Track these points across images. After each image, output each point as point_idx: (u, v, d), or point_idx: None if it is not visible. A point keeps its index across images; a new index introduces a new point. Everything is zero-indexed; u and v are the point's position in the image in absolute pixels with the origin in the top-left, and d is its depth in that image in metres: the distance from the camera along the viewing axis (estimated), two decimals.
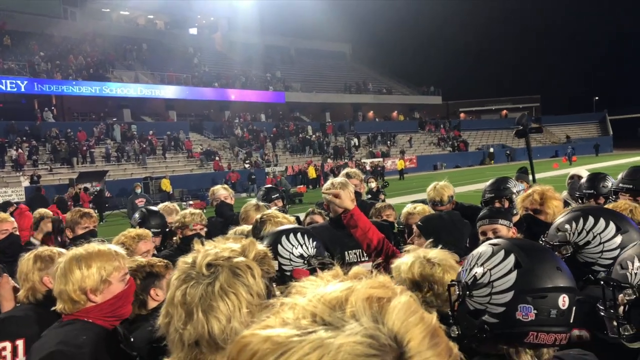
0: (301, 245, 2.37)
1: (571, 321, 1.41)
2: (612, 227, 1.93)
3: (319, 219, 3.98)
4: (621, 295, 1.52)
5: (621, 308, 1.52)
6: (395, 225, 4.26)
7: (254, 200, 4.46)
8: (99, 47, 42.70)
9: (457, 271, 1.98)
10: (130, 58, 44.24)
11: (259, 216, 3.13)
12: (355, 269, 0.74)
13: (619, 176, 3.37)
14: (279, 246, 2.32)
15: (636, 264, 1.51)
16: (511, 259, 1.43)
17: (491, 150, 50.96)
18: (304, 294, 0.62)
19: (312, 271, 2.35)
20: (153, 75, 43.01)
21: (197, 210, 4.14)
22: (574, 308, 1.41)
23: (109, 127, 35.71)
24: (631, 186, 3.20)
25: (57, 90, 36.12)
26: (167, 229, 4.27)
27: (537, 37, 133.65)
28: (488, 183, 3.89)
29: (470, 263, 1.52)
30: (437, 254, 2.07)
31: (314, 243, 2.42)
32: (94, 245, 2.10)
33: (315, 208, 4.25)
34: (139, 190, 19.84)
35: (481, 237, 2.90)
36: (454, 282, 1.55)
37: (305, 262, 2.37)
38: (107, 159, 32.56)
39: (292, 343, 0.53)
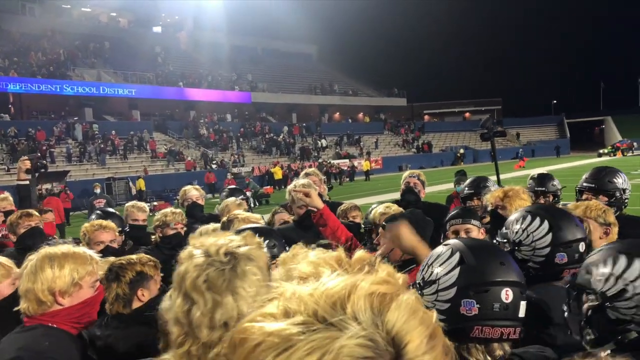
0: None
1: (520, 315, 1.45)
2: (545, 225, 1.96)
3: (286, 217, 4.01)
4: (584, 299, 1.51)
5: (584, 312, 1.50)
6: (362, 225, 4.34)
7: (233, 198, 4.50)
8: (59, 45, 41.48)
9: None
10: (92, 56, 43.17)
11: (225, 218, 3.17)
12: (360, 254, 0.75)
13: (584, 176, 3.43)
14: None
15: (601, 269, 1.47)
16: (456, 256, 1.49)
17: (462, 151, 51.88)
18: (305, 277, 0.63)
19: None
20: (116, 73, 42.09)
21: (178, 210, 4.12)
22: (521, 302, 1.46)
23: (70, 126, 34.76)
24: (593, 185, 3.27)
25: (15, 88, 34.96)
26: (126, 229, 4.24)
27: (500, 42, 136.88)
28: (468, 180, 4.04)
29: (424, 263, 1.58)
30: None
31: (266, 242, 2.47)
32: (69, 247, 2.02)
33: (279, 208, 4.30)
34: (97, 191, 19.50)
35: (452, 236, 2.98)
36: (412, 284, 1.58)
37: None
38: (69, 159, 31.69)
39: (295, 340, 0.54)
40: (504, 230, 2.12)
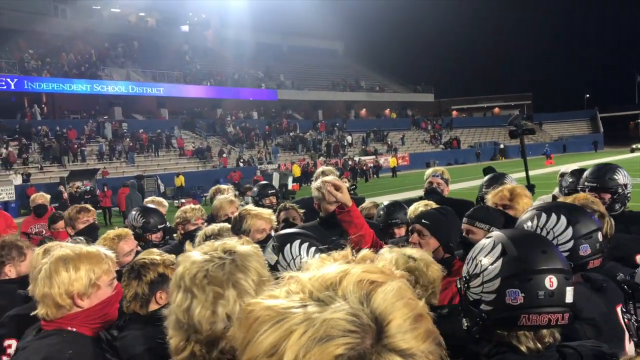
0: (301, 257, 2.33)
1: (567, 301, 1.45)
2: (562, 220, 1.98)
3: (294, 215, 3.95)
4: None
5: None
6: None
7: (225, 195, 4.54)
8: (90, 45, 42.36)
9: (437, 265, 2.15)
10: (121, 56, 43.94)
11: (236, 214, 3.19)
12: (364, 253, 0.78)
13: (584, 174, 3.40)
14: (287, 248, 2.29)
15: None
16: (498, 248, 1.51)
17: (502, 146, 50.97)
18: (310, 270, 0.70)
19: None
20: (144, 72, 42.75)
21: (197, 206, 4.17)
22: (567, 288, 1.46)
23: (100, 125, 35.48)
24: (595, 184, 3.25)
25: (48, 88, 35.85)
26: (167, 225, 4.28)
27: (529, 35, 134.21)
28: (485, 178, 3.95)
29: (468, 257, 1.60)
30: (414, 251, 2.18)
31: (316, 255, 2.41)
32: (81, 246, 1.96)
33: (288, 203, 4.23)
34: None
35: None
36: (459, 278, 1.62)
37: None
38: (100, 157, 32.35)
39: (288, 313, 0.60)
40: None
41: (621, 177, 3.24)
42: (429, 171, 4.45)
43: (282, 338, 0.58)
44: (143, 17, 52.99)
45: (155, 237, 3.95)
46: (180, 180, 28.84)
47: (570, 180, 3.79)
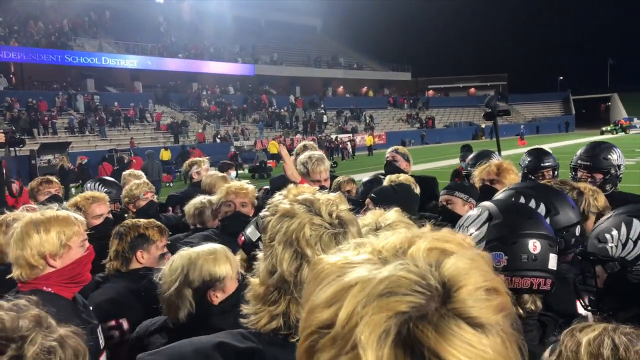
0: None
1: (550, 267, 1.47)
2: (542, 209, 1.88)
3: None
4: (600, 268, 1.53)
5: (599, 281, 1.53)
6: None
7: (217, 173, 4.49)
8: (61, 14, 40.95)
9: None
10: (94, 26, 42.64)
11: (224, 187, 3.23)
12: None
13: (578, 152, 3.30)
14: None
15: (615, 235, 1.50)
16: (485, 214, 1.55)
17: (483, 126, 51.40)
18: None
19: None
20: (118, 44, 41.66)
21: (142, 180, 4.08)
22: (551, 254, 1.48)
23: (72, 97, 34.55)
24: (589, 163, 3.14)
25: (16, 57, 34.65)
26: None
27: (506, 17, 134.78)
28: (470, 156, 4.00)
29: (457, 225, 1.64)
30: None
31: None
32: (51, 210, 2.06)
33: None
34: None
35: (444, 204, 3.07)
36: None
37: None
38: (71, 130, 31.58)
39: (351, 267, 0.59)
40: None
41: (616, 157, 3.14)
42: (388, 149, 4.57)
43: (342, 290, 0.57)
44: None
45: (115, 206, 3.92)
46: (167, 154, 28.22)
47: (529, 159, 3.57)
